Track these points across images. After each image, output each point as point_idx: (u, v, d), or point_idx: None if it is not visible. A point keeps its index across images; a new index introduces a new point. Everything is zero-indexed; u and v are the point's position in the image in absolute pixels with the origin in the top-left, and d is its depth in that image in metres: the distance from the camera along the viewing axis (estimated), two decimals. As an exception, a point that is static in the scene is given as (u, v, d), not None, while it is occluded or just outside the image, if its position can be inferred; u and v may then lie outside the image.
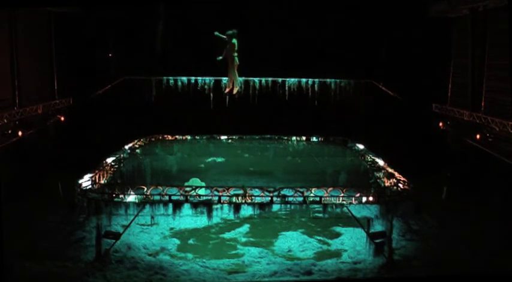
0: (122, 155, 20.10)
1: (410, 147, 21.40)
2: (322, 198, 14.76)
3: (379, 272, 13.69)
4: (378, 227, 15.17)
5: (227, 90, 21.35)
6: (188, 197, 14.72)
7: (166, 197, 14.65)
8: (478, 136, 19.07)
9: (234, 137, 24.91)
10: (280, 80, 25.00)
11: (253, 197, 14.77)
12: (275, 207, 15.39)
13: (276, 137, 24.99)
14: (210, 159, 22.05)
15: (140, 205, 14.79)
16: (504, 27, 17.81)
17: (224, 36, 20.08)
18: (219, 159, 22.05)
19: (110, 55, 25.09)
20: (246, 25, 24.04)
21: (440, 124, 21.63)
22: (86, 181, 15.47)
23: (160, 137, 24.93)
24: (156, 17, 24.89)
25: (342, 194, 14.90)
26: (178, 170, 19.35)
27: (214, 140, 24.91)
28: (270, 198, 14.75)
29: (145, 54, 24.93)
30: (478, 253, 14.23)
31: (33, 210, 16.74)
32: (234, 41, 20.25)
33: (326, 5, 24.82)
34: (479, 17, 19.86)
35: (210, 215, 15.05)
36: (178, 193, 14.76)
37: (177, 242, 15.65)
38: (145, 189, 14.85)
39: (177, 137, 25.00)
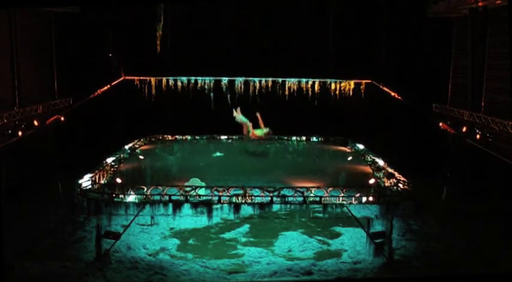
0: (121, 155, 20.10)
1: (410, 147, 21.40)
2: (322, 198, 14.76)
3: (379, 272, 13.69)
4: (378, 227, 15.18)
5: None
6: (188, 197, 14.73)
7: (166, 197, 14.66)
8: (478, 136, 19.06)
9: (234, 137, 24.89)
10: (280, 80, 24.98)
11: (253, 197, 14.77)
12: (275, 207, 15.39)
13: (276, 137, 24.96)
14: (209, 159, 22.00)
15: (140, 205, 14.80)
16: (504, 27, 17.82)
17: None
18: (219, 159, 22.01)
19: (110, 55, 25.08)
20: (246, 24, 24.13)
21: (441, 124, 21.63)
22: (86, 181, 15.47)
23: (160, 137, 24.91)
24: (156, 17, 24.90)
25: (342, 194, 14.89)
26: (178, 170, 19.33)
27: (214, 140, 24.89)
28: (270, 198, 14.75)
29: (145, 54, 24.92)
30: (478, 253, 14.23)
31: (33, 210, 16.75)
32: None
33: (326, 5, 24.85)
34: (479, 17, 19.86)
35: (210, 215, 15.06)
36: (178, 193, 14.77)
37: (177, 242, 15.65)
38: (145, 189, 14.85)
39: (177, 137, 24.99)
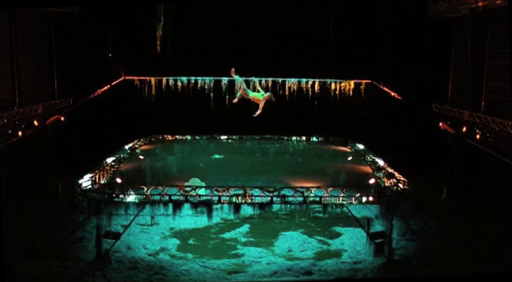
0: (121, 155, 20.09)
1: (410, 147, 21.39)
2: (322, 198, 14.76)
3: (379, 272, 13.69)
4: (378, 227, 15.18)
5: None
6: (188, 197, 14.72)
7: (166, 197, 14.66)
8: (478, 136, 19.06)
9: (234, 137, 24.87)
10: (280, 80, 24.97)
11: (253, 197, 14.77)
12: (275, 207, 15.39)
13: (276, 137, 24.96)
14: (210, 159, 22.00)
15: (140, 205, 14.79)
16: (504, 27, 17.81)
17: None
18: (219, 159, 22.01)
19: (110, 55, 25.08)
20: (246, 24, 24.12)
21: (440, 124, 21.62)
22: (86, 181, 15.47)
23: (160, 137, 24.92)
24: (156, 16, 24.90)
25: (342, 194, 14.89)
26: (178, 170, 19.34)
27: (214, 140, 24.90)
28: (270, 198, 14.75)
29: (145, 54, 24.92)
30: (478, 253, 14.23)
31: (33, 210, 16.74)
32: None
33: (326, 5, 24.85)
34: (479, 17, 19.86)
35: (210, 215, 15.06)
36: (178, 193, 14.77)
37: (177, 242, 15.66)
38: (145, 189, 14.85)
39: (177, 137, 24.99)
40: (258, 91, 19.86)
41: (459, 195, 18.80)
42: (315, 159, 21.33)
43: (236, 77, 19.86)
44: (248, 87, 22.34)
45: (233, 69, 20.10)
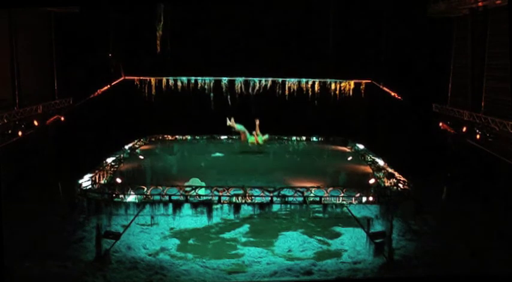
0: (121, 155, 20.10)
1: (410, 147, 21.40)
2: (322, 198, 14.76)
3: (379, 272, 13.69)
4: (378, 227, 15.18)
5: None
6: (188, 197, 14.73)
7: (166, 197, 14.66)
8: (478, 136, 19.07)
9: (234, 137, 24.88)
10: (280, 80, 24.98)
11: (253, 197, 14.78)
12: (275, 207, 15.39)
13: (276, 137, 24.96)
14: (209, 160, 21.99)
15: (140, 205, 14.80)
16: (504, 27, 17.82)
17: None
18: (219, 160, 22.00)
19: (110, 55, 25.09)
20: (246, 24, 24.14)
21: (440, 124, 21.63)
22: (86, 181, 15.47)
23: (160, 137, 24.92)
24: (156, 16, 24.92)
25: (342, 194, 14.89)
26: (178, 170, 19.33)
27: (214, 140, 24.90)
28: (270, 198, 14.75)
29: (146, 54, 24.94)
30: (478, 253, 14.23)
31: (33, 210, 16.74)
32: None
33: (326, 5, 24.87)
34: (479, 17, 19.87)
35: (210, 215, 15.07)
36: (178, 193, 14.77)
37: (177, 242, 15.65)
38: (145, 189, 14.85)
39: (177, 137, 25.00)
40: (257, 135, 20.71)
41: (459, 195, 18.80)
42: (315, 159, 21.34)
43: (237, 126, 20.57)
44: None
45: (232, 120, 21.10)
